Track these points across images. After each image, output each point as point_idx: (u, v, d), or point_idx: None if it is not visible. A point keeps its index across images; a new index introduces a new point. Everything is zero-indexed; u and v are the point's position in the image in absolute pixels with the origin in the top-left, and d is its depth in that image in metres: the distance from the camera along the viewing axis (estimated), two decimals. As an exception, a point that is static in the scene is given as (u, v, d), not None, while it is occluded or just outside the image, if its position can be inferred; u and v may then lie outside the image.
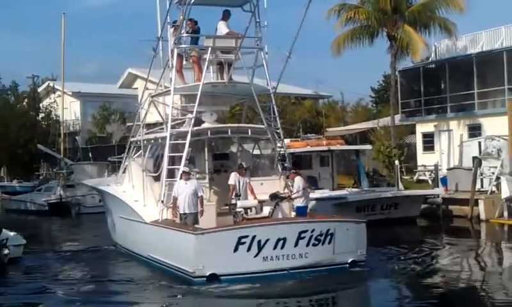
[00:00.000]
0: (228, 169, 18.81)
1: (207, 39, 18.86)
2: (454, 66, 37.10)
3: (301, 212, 17.43)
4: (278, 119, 19.55)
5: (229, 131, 18.66)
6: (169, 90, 18.71)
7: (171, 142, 17.98)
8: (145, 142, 19.84)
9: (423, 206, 26.97)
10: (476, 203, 25.79)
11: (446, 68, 37.45)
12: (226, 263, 15.01)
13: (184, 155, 17.57)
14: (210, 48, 18.31)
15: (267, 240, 15.04)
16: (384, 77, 56.83)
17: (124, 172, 21.41)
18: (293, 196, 17.53)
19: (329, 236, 15.49)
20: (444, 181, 29.11)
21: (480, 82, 35.30)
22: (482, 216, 25.48)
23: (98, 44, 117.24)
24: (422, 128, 38.92)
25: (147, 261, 17.77)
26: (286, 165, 19.14)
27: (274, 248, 15.09)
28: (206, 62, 18.38)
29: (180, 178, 17.09)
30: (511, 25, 35.91)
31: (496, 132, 29.19)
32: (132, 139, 21.28)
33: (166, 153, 17.82)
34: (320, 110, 50.89)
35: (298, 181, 17.69)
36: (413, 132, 40.87)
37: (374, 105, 61.84)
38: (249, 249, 14.99)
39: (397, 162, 30.56)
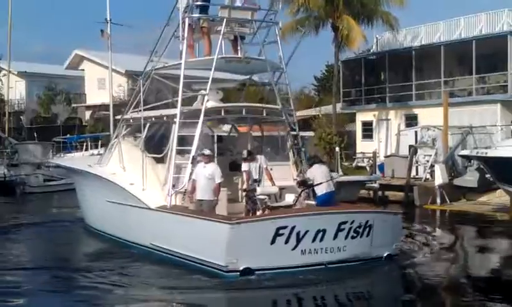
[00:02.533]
0: (224, 153, 17.86)
1: (222, 9, 17.04)
2: (393, 59, 38.53)
3: (327, 200, 15.65)
4: (291, 100, 18.36)
5: (243, 111, 17.18)
6: (178, 64, 16.96)
7: (182, 120, 16.21)
8: (145, 120, 17.51)
9: (361, 191, 27.70)
10: (411, 189, 27.01)
11: (386, 59, 38.87)
12: (261, 256, 13.49)
13: (197, 135, 16.02)
14: (225, 20, 16.66)
15: (307, 231, 13.67)
16: (327, 66, 58.07)
17: (109, 152, 19.40)
18: (319, 183, 15.69)
19: (367, 229, 14.32)
20: (381, 168, 30.40)
21: (418, 74, 36.88)
22: (417, 202, 26.54)
23: (46, 24, 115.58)
24: (362, 117, 40.34)
25: (148, 250, 15.89)
26: (302, 149, 18.15)
27: (313, 240, 13.74)
28: (221, 35, 16.64)
29: (192, 161, 15.74)
30: (449, 21, 37.41)
31: (432, 122, 30.52)
32: (125, 117, 19.17)
33: (176, 133, 16.14)
34: (263, 97, 51.58)
35: (322, 168, 16.17)
36: (353, 121, 42.20)
37: (317, 93, 63.06)
38: (287, 241, 13.55)
39: (337, 148, 31.41)
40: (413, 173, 28.34)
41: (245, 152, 16.68)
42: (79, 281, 13.95)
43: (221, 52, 16.80)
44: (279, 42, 17.60)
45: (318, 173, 15.85)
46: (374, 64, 40.67)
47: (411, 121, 36.14)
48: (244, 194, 16.47)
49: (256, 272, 13.37)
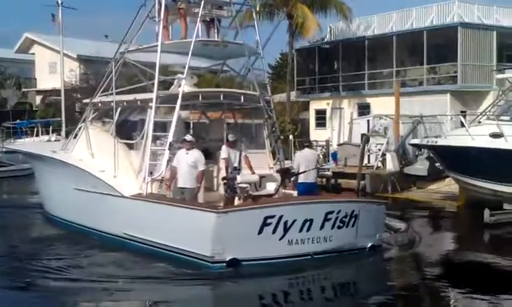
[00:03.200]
0: (196, 140, 16.92)
1: None
2: (347, 48, 38.87)
3: (308, 189, 15.52)
4: (268, 86, 18.04)
5: (221, 96, 16.70)
6: (154, 46, 16.47)
7: (158, 105, 15.82)
8: (116, 104, 16.81)
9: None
10: (363, 177, 27.34)
11: (340, 49, 39.21)
12: (248, 246, 13.11)
13: (174, 120, 15.53)
14: (203, 1, 16.22)
15: (294, 221, 13.37)
16: (282, 55, 58.26)
17: (75, 138, 18.68)
18: (303, 172, 15.53)
19: (353, 219, 14.12)
20: (334, 156, 30.67)
21: (371, 63, 37.32)
22: (368, 189, 26.78)
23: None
24: (316, 105, 40.63)
25: (121, 240, 15.27)
26: (279, 136, 17.98)
27: (300, 230, 13.46)
28: (198, 17, 16.21)
29: (169, 147, 15.28)
30: (401, 11, 37.92)
31: (384, 111, 30.86)
32: (94, 100, 18.31)
33: (152, 118, 15.61)
34: (218, 84, 51.54)
35: (310, 154, 16.10)
36: (307, 109, 42.47)
37: (271, 81, 63.21)
38: (274, 231, 13.21)
39: (291, 136, 31.54)
40: (365, 161, 28.65)
41: (230, 136, 16.11)
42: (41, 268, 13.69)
43: (198, 36, 16.31)
44: (256, 26, 17.35)
45: (304, 160, 15.62)
46: (328, 53, 40.95)
47: (364, 110, 36.56)
48: (223, 182, 15.79)
49: (243, 263, 13.01)
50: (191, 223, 13.61)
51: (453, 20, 34.76)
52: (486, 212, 18.91)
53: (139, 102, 16.63)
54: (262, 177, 16.17)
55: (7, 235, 18.27)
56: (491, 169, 19.55)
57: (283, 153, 17.68)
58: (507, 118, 20.47)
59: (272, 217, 13.18)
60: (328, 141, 32.45)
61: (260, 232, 13.12)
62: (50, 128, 41.93)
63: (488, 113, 21.53)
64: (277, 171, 16.32)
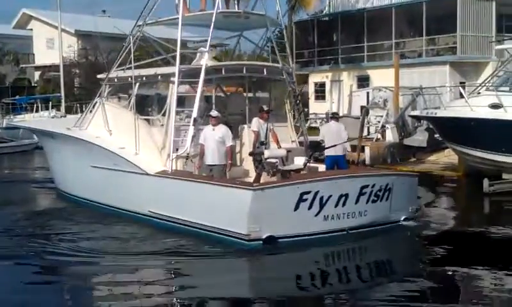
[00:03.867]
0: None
1: None
2: (346, 20, 38.77)
3: (337, 163, 15.37)
4: (289, 58, 17.61)
5: (244, 69, 16.27)
6: (174, 18, 16.00)
7: (181, 80, 15.22)
8: (135, 79, 16.16)
9: (314, 151, 28.14)
10: (363, 149, 27.43)
11: (339, 21, 39.11)
12: (285, 223, 12.80)
13: (198, 94, 15.04)
14: None
15: (330, 196, 13.07)
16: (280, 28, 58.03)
17: (90, 114, 18.11)
18: (332, 146, 15.21)
19: (387, 192, 13.83)
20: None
21: (370, 35, 37.22)
22: (368, 161, 26.85)
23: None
24: (315, 78, 40.60)
25: (147, 218, 14.92)
26: (302, 109, 17.41)
27: (336, 206, 13.18)
28: None
29: (194, 123, 14.80)
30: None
31: (384, 83, 30.87)
32: (110, 76, 17.65)
33: (174, 93, 15.10)
34: (215, 58, 51.49)
35: (338, 127, 15.81)
36: (306, 82, 42.45)
37: (269, 55, 63.04)
38: (310, 206, 12.94)
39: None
40: (365, 133, 28.74)
41: (264, 107, 15.56)
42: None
43: (218, 7, 15.75)
44: None
45: (330, 133, 15.32)
46: (327, 25, 40.86)
47: (363, 82, 36.58)
48: (252, 157, 15.14)
49: (280, 240, 12.71)
50: (225, 200, 13.22)
51: (452, -10, 34.63)
52: (485, 182, 19.06)
53: (159, 77, 16.26)
54: (288, 151, 15.55)
55: (21, 207, 18.17)
56: (491, 139, 19.64)
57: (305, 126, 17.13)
58: (507, 88, 20.52)
59: (308, 192, 12.88)
60: (327, 114, 32.44)
61: (296, 208, 12.83)
62: (50, 104, 41.99)
63: (487, 84, 21.55)
64: (308, 146, 15.94)
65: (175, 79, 15.11)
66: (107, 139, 16.80)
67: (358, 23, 37.48)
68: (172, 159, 14.67)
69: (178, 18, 15.75)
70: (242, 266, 12.68)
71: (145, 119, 16.15)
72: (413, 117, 25.57)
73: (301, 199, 12.83)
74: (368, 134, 28.95)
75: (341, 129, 16.57)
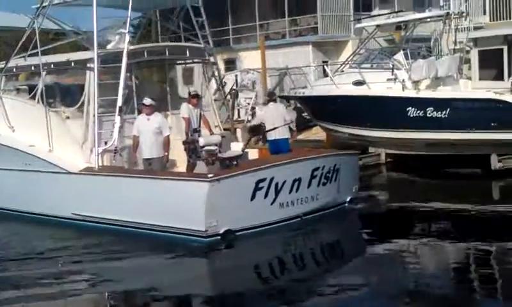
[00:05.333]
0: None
1: None
2: (210, 3, 38.79)
3: (282, 146, 14.94)
4: (210, 37, 16.58)
5: (166, 51, 15.44)
6: None
7: (101, 66, 13.90)
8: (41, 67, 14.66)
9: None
10: (235, 131, 27.80)
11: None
12: (241, 215, 12.17)
13: (122, 81, 13.72)
14: None
15: (284, 182, 12.56)
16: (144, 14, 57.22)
17: None
18: (273, 129, 14.74)
19: (335, 173, 13.51)
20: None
21: (234, 18, 37.57)
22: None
23: None
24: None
25: (71, 222, 13.81)
26: (230, 92, 16.31)
27: (290, 191, 12.73)
28: None
29: (119, 112, 13.59)
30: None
31: (251, 65, 31.37)
32: (9, 65, 16.08)
33: (93, 81, 13.75)
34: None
35: (278, 109, 15.27)
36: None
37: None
38: (266, 195, 12.39)
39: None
40: (236, 115, 29.12)
41: (191, 90, 14.77)
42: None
43: None
44: None
45: (270, 115, 14.76)
46: (193, 10, 40.70)
47: (231, 64, 36.93)
48: (184, 146, 14.25)
49: (238, 234, 12.14)
50: (175, 195, 12.22)
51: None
52: (494, 158, 18.70)
53: (73, 63, 14.85)
54: (223, 137, 14.91)
55: None
56: (357, 115, 20.57)
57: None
58: (368, 65, 21.53)
59: (263, 180, 12.31)
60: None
61: (252, 198, 12.28)
62: None
63: (350, 62, 22.50)
64: (248, 130, 15.35)
65: (94, 65, 13.82)
66: (11, 136, 15.31)
67: (222, 5, 37.70)
68: (98, 154, 13.49)
69: None
70: (197, 264, 12.01)
71: (56, 111, 14.82)
72: (281, 97, 26.22)
73: (257, 188, 12.27)
74: (239, 117, 29.44)
75: (282, 110, 15.97)
